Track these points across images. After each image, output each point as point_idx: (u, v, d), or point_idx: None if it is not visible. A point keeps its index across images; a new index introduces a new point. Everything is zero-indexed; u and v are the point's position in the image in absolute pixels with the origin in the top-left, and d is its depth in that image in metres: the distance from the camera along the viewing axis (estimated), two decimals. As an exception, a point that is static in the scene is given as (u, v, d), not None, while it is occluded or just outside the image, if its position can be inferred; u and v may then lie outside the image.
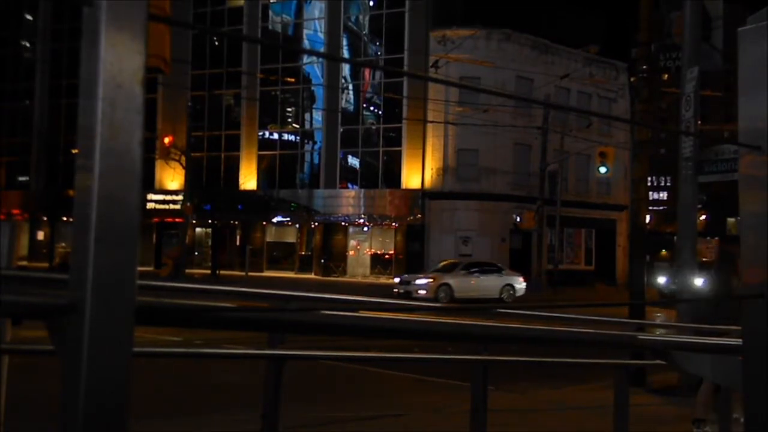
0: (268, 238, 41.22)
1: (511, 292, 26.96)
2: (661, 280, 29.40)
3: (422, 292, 25.06)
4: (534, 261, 35.58)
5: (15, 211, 46.30)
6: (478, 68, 34.98)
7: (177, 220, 38.03)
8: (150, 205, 40.52)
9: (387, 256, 37.69)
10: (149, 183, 40.64)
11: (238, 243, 41.48)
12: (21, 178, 47.78)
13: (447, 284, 25.51)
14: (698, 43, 10.15)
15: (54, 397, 1.10)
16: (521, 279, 27.78)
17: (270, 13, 41.39)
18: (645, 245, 11.53)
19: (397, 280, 27.64)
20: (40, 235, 46.63)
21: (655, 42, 11.49)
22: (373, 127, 38.61)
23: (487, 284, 26.48)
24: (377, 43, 38.87)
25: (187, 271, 33.86)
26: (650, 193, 62.23)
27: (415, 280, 26.24)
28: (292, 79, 39.68)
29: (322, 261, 38.75)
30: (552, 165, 33.79)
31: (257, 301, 3.93)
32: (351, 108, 39.34)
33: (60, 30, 44.00)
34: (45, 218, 45.44)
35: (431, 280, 25.76)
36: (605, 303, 24.30)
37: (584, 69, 38.84)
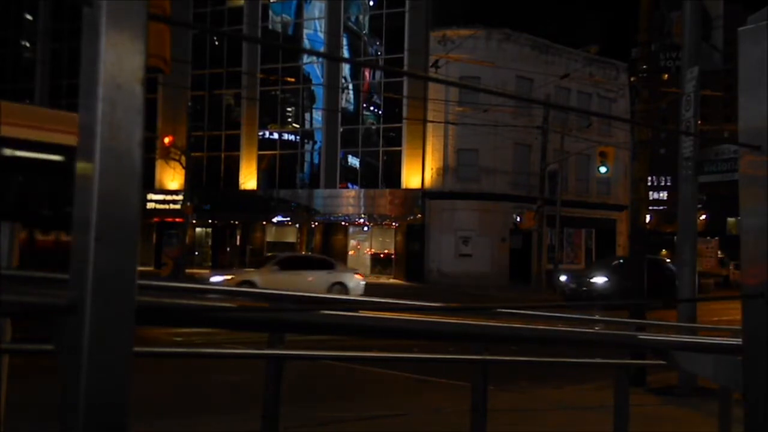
0: (268, 238, 41.20)
1: (343, 292, 22.51)
2: (563, 278, 29.57)
3: None
4: (534, 261, 35.58)
5: (15, 211, 46.20)
6: (478, 68, 34.98)
7: (177, 220, 37.99)
8: (150, 205, 40.52)
9: (387, 256, 37.68)
10: (149, 183, 40.63)
11: (238, 243, 41.50)
12: (21, 178, 47.72)
13: (250, 282, 21.62)
14: (698, 43, 10.15)
15: (54, 397, 1.10)
16: (358, 277, 24.13)
17: (270, 13, 41.38)
18: (645, 245, 11.51)
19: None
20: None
21: (655, 42, 11.47)
22: (373, 127, 38.60)
23: (308, 282, 22.54)
24: (377, 43, 38.86)
25: (187, 271, 33.83)
26: (650, 193, 62.19)
27: (210, 277, 22.82)
28: (292, 79, 39.67)
29: (322, 261, 38.65)
30: (552, 165, 33.77)
31: (257, 301, 3.92)
32: (351, 108, 39.33)
33: (60, 30, 44.01)
34: (45, 218, 45.38)
35: (228, 277, 22.39)
36: (605, 303, 24.25)
37: (584, 69, 38.84)
